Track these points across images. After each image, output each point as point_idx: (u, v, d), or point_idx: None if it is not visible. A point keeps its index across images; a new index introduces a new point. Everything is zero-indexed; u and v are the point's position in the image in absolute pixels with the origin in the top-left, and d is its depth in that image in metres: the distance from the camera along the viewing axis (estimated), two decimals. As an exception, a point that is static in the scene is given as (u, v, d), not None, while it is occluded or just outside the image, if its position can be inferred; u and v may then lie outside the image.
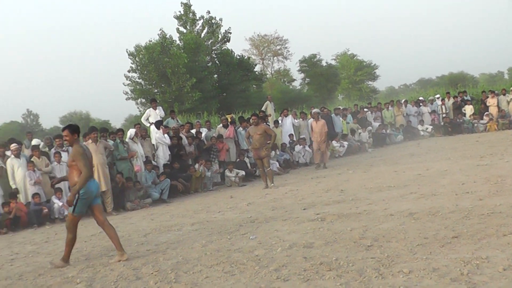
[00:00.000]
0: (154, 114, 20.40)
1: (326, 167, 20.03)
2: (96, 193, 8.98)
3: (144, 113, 24.44)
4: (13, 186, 15.20)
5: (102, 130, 17.36)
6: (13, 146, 15.66)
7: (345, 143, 24.35)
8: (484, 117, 29.69)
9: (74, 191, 8.59)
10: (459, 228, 8.24)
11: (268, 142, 16.59)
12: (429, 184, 12.93)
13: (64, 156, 16.05)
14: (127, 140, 17.36)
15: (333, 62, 58.36)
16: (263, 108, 26.28)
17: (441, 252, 7.02)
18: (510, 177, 12.75)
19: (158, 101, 23.62)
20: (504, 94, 30.74)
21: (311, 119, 21.98)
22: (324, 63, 55.22)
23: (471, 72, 68.19)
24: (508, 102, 30.13)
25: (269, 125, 20.59)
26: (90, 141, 15.20)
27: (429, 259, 6.82)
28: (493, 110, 30.00)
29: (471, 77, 60.61)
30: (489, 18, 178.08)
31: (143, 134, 18.26)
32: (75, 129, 8.90)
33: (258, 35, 62.04)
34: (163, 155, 18.23)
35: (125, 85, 40.91)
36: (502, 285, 5.67)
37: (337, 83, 55.26)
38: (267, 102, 27.09)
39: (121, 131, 17.59)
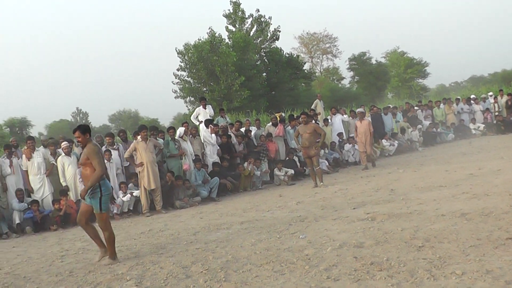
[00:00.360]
0: (203, 113, 20.50)
1: (375, 165, 19.91)
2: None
3: (193, 111, 24.59)
4: (63, 184, 15.43)
5: (152, 129, 17.50)
6: (64, 144, 15.90)
7: (395, 142, 24.11)
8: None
9: (87, 187, 8.73)
10: (514, 229, 8.09)
11: (318, 140, 16.55)
12: (482, 184, 12.69)
13: (114, 154, 16.25)
14: (177, 138, 17.43)
15: (383, 60, 57.99)
16: (312, 107, 26.25)
17: (494, 254, 6.87)
18: None
19: (207, 99, 23.63)
20: None
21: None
22: (373, 61, 54.92)
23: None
24: None
25: (318, 124, 20.47)
26: (139, 139, 15.33)
27: (482, 260, 6.68)
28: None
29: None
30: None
31: (193, 132, 18.35)
32: (86, 129, 9.06)
33: (307, 33, 62.03)
34: (211, 154, 18.26)
35: (174, 84, 41.24)
36: None
37: (386, 81, 54.78)
38: (317, 100, 27.06)
39: (172, 129, 17.65)
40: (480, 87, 47.54)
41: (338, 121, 23.51)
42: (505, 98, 31.35)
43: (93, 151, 8.74)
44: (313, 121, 19.34)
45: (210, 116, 20.27)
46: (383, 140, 23.66)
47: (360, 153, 20.35)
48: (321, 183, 16.08)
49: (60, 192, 15.08)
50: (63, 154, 15.65)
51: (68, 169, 15.40)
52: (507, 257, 6.71)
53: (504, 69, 63.51)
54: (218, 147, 18.38)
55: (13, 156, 15.49)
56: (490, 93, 33.66)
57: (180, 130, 17.97)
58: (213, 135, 18.36)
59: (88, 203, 8.97)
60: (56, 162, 15.67)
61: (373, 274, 6.59)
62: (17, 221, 14.36)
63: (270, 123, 21.38)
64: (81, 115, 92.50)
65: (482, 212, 9.45)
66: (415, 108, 29.01)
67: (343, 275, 6.70)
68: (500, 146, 21.59)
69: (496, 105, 31.41)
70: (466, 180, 13.53)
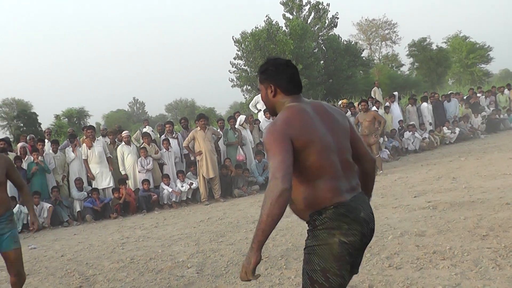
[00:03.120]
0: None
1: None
2: None
3: (250, 100, 24.65)
4: (123, 172, 15.67)
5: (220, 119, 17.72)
6: (125, 133, 16.18)
7: (456, 129, 23.71)
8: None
9: None
10: None
11: (378, 128, 16.41)
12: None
13: (173, 143, 16.43)
14: (237, 126, 17.49)
15: (444, 45, 56.91)
16: (372, 95, 26.05)
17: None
18: None
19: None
20: None
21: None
22: (434, 47, 54.01)
23: None
24: None
25: (377, 111, 20.30)
26: (198, 128, 15.46)
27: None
28: None
29: None
30: None
31: (251, 120, 18.39)
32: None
33: (366, 19, 61.50)
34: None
35: (230, 73, 41.47)
36: None
37: (447, 67, 53.85)
38: (375, 88, 26.87)
39: (233, 119, 17.80)
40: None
41: (396, 108, 23.20)
42: None
43: None
44: (373, 108, 19.20)
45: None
46: (444, 128, 23.30)
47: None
48: (381, 171, 15.95)
49: (119, 181, 15.32)
50: (123, 143, 15.88)
51: (128, 158, 15.63)
52: None
53: None
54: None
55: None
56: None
57: (241, 118, 18.05)
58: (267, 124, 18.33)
59: None
60: (115, 151, 15.92)
61: (436, 263, 6.55)
62: (78, 209, 14.68)
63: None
64: (137, 105, 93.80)
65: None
66: (478, 94, 28.46)
67: (405, 263, 6.68)
68: None
69: None
70: None
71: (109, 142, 16.36)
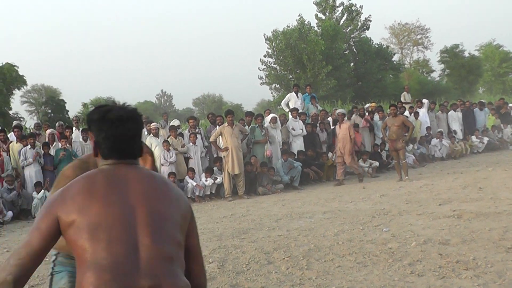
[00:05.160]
0: (294, 99, 20.44)
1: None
2: None
3: (278, 98, 24.68)
4: (148, 165, 15.69)
5: (248, 114, 17.79)
6: (153, 125, 16.26)
7: (485, 139, 23.51)
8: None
9: None
10: None
11: (406, 134, 16.35)
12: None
13: (198, 137, 16.47)
14: (265, 125, 17.52)
15: (476, 53, 56.48)
16: (401, 99, 25.95)
17: None
18: None
19: (299, 86, 23.40)
20: None
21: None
22: (466, 54, 53.62)
23: None
24: None
25: (407, 117, 20.21)
26: (226, 124, 15.52)
27: None
28: None
29: None
30: None
31: (281, 119, 18.45)
32: None
33: (398, 23, 61.20)
34: (298, 142, 18.22)
35: (260, 70, 41.49)
36: None
37: (479, 75, 53.40)
38: (404, 92, 26.78)
39: (260, 116, 17.81)
40: None
41: (424, 114, 23.04)
42: None
43: None
44: (404, 114, 19.16)
45: (300, 104, 20.21)
46: (473, 137, 23.13)
47: (338, 164, 17.01)
48: (406, 177, 15.87)
49: (145, 172, 15.35)
50: (151, 135, 15.96)
51: (155, 150, 15.69)
52: None
53: None
54: (303, 136, 18.33)
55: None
56: None
57: (270, 116, 18.06)
58: (300, 123, 18.33)
59: None
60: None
61: (458, 272, 6.52)
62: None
63: (356, 113, 21.25)
64: (165, 97, 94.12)
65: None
66: (510, 105, 28.18)
67: (427, 271, 6.66)
68: None
69: None
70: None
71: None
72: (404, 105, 23.40)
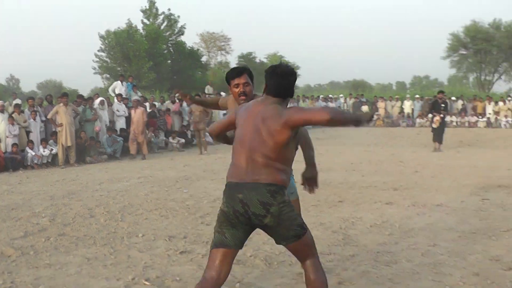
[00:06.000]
0: (119, 87, 20.01)
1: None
2: None
3: (109, 85, 24.14)
4: (-4, 136, 14.84)
5: (79, 97, 17.37)
6: (0, 102, 15.38)
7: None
8: (375, 116, 30.76)
9: None
10: (344, 195, 8.74)
11: (206, 118, 16.75)
12: (327, 161, 13.25)
13: (38, 114, 15.76)
14: (95, 106, 17.12)
15: (265, 60, 58.37)
16: (205, 91, 26.41)
17: (328, 212, 7.44)
18: (386, 161, 13.41)
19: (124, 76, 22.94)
20: (390, 100, 32.75)
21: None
22: (257, 60, 55.35)
23: (369, 81, 70.26)
24: (392, 106, 32.03)
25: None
26: (61, 104, 15.00)
27: (318, 216, 7.24)
28: (381, 111, 31.53)
29: (369, 85, 61.86)
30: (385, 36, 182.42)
31: (108, 102, 18.13)
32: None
33: (207, 32, 61.62)
34: (121, 121, 17.97)
35: (94, 62, 40.23)
36: (368, 238, 6.11)
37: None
38: (208, 86, 27.43)
39: (91, 99, 17.62)
40: (337, 90, 49.38)
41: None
42: (352, 100, 33.17)
43: None
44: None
45: (124, 90, 19.87)
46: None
47: (130, 142, 16.56)
48: (206, 152, 16.30)
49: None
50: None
51: (1, 124, 14.75)
52: (336, 214, 7.32)
53: (354, 79, 66.22)
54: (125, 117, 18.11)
55: None
56: (341, 95, 35.42)
57: (99, 100, 17.69)
58: (123, 106, 18.08)
59: None
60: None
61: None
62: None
63: (169, 100, 21.37)
64: (13, 80, 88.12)
65: (324, 181, 9.89)
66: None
67: (214, 221, 6.74)
68: (343, 136, 22.56)
69: (345, 104, 33.12)
70: (317, 158, 14.06)
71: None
72: (208, 95, 23.88)
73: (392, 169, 11.96)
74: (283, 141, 3.24)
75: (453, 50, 42.43)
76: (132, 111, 16.80)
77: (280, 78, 3.36)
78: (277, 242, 3.39)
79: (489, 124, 28.20)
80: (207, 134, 18.49)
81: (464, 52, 42.31)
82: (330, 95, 34.93)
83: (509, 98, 30.27)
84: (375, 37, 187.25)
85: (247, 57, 54.62)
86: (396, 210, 7.56)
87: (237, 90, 4.38)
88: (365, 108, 31.76)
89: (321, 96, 34.62)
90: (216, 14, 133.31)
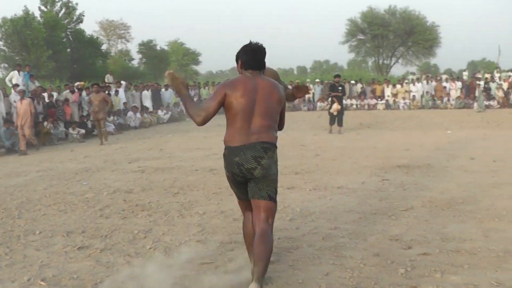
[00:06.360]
0: (16, 77, 18.96)
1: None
2: None
3: (6, 75, 22.89)
4: None
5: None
6: None
7: (169, 113, 24.27)
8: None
9: None
10: (244, 182, 8.68)
11: (106, 107, 16.20)
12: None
13: None
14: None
15: (166, 48, 57.58)
16: (105, 80, 25.63)
17: (229, 199, 7.30)
18: (287, 146, 13.32)
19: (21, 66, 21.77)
20: (291, 85, 32.65)
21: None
22: (158, 48, 54.54)
23: (271, 66, 70.77)
24: None
25: (109, 94, 20.04)
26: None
27: (219, 204, 7.15)
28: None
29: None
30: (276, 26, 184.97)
31: (3, 93, 17.12)
32: None
33: (106, 20, 59.86)
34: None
35: (-10, 51, 38.01)
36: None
37: (168, 64, 54.30)
38: (108, 75, 26.62)
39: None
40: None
41: (122, 92, 23.02)
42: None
43: None
44: (105, 91, 18.96)
45: (21, 80, 18.85)
46: (159, 111, 23.76)
47: (20, 137, 14.97)
48: (106, 142, 15.80)
49: None
50: None
51: None
52: (233, 201, 7.18)
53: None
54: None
55: None
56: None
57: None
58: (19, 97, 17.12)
59: None
60: None
61: (136, 213, 6.76)
62: None
63: (68, 90, 20.53)
64: None
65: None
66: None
67: (113, 214, 6.78)
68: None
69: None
70: (216, 144, 14.07)
71: None
72: (108, 84, 23.21)
73: (294, 153, 11.91)
74: (283, 106, 4.08)
75: (351, 35, 43.35)
76: (18, 103, 15.34)
77: (253, 54, 3.99)
78: (252, 197, 4.01)
79: (387, 106, 29.11)
80: (108, 123, 18.01)
81: (362, 37, 43.36)
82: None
83: (406, 81, 31.69)
84: (276, 23, 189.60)
85: (147, 45, 53.68)
86: (297, 195, 7.53)
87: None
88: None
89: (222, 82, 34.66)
90: (115, 3, 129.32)
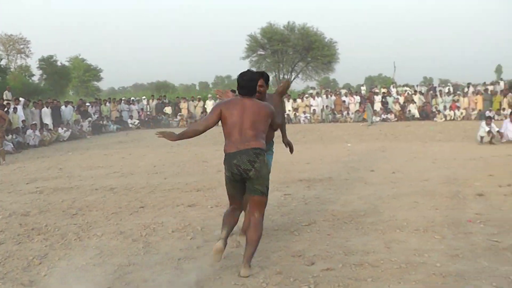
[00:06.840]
0: None
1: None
2: None
3: None
4: None
5: None
6: None
7: (69, 131, 23.29)
8: (178, 116, 31.03)
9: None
10: (146, 200, 8.42)
11: (3, 125, 15.26)
12: (130, 165, 12.96)
13: None
14: None
15: (67, 63, 55.49)
16: (4, 97, 24.26)
17: (129, 219, 7.12)
18: (189, 162, 13.28)
19: None
20: (192, 100, 33.16)
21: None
22: (59, 63, 52.43)
23: (173, 81, 70.44)
24: (195, 106, 32.35)
25: (7, 112, 18.95)
26: None
27: (119, 224, 6.90)
28: (184, 111, 31.82)
29: (172, 86, 61.69)
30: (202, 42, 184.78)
31: None
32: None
33: (5, 34, 57.02)
34: None
35: None
36: (170, 244, 5.92)
37: (69, 80, 52.37)
38: (6, 91, 25.24)
39: None
40: (139, 92, 48.76)
41: (21, 109, 21.83)
42: (155, 101, 32.99)
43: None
44: (5, 109, 17.93)
45: None
46: (59, 128, 22.76)
47: None
48: (4, 162, 14.85)
49: None
50: None
51: None
52: (137, 221, 7.02)
53: (158, 80, 65.86)
54: None
55: None
56: (144, 97, 35.02)
57: None
58: None
59: None
60: None
61: (32, 237, 6.38)
62: None
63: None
64: None
65: (126, 187, 9.71)
66: (87, 104, 28.56)
67: (8, 239, 6.33)
68: (147, 137, 22.02)
69: (148, 106, 32.88)
70: (119, 162, 13.70)
71: None
72: (9, 102, 22.03)
73: (196, 170, 11.70)
74: (269, 121, 4.85)
75: (251, 50, 43.70)
76: None
77: (240, 87, 4.82)
78: (248, 193, 4.81)
79: (289, 120, 29.23)
80: (6, 142, 16.99)
81: (263, 53, 43.80)
82: (133, 98, 34.38)
83: (306, 96, 32.41)
84: (178, 39, 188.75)
85: (48, 61, 51.36)
86: (198, 212, 7.37)
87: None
88: (168, 109, 31.82)
89: (123, 98, 33.93)
90: (14, 17, 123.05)
